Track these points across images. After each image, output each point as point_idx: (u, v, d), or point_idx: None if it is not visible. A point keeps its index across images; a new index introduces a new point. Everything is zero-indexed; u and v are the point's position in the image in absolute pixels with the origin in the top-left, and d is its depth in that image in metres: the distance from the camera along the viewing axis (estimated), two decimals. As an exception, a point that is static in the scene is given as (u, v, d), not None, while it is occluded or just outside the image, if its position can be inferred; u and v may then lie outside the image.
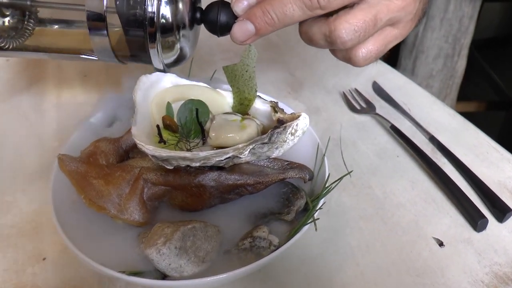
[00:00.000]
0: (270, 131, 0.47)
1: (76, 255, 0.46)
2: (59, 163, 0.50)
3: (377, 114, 0.76)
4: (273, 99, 0.54)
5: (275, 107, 0.52)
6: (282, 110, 0.52)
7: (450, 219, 0.60)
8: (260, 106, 0.53)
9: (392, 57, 1.48)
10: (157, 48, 0.50)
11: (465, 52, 1.37)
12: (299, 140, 0.49)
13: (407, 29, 0.51)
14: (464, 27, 1.31)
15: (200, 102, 0.51)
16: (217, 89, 0.55)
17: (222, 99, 0.54)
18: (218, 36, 0.52)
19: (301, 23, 0.49)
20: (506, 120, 1.90)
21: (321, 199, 0.50)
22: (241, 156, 0.47)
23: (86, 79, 0.87)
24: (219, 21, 0.50)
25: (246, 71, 0.52)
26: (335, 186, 0.52)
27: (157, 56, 0.50)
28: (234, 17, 0.49)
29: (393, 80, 0.86)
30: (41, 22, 0.59)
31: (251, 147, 0.47)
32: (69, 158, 0.51)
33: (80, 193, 0.48)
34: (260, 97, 0.54)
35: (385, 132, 0.74)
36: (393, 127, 0.72)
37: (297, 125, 0.48)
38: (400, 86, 0.84)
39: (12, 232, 0.57)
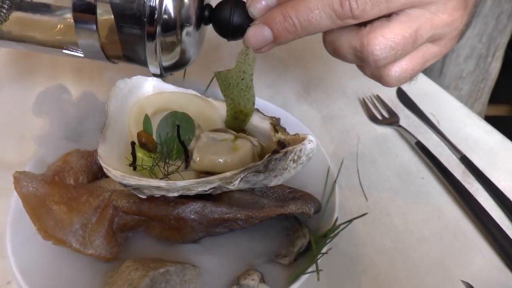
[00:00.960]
0: (266, 157, 0.38)
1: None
2: (15, 183, 0.42)
3: (401, 126, 0.66)
4: (274, 116, 0.45)
5: (275, 125, 0.43)
6: (284, 129, 0.43)
7: (483, 259, 0.51)
8: (258, 122, 0.44)
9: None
10: (156, 49, 0.40)
11: (500, 53, 1.25)
12: (303, 167, 0.40)
13: (449, 46, 0.44)
14: (501, 25, 1.19)
15: (184, 116, 0.42)
16: (210, 98, 0.46)
17: (213, 111, 0.45)
18: (229, 40, 0.42)
19: (326, 31, 0.41)
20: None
21: (328, 242, 0.41)
22: (229, 186, 0.38)
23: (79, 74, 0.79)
24: (232, 22, 0.41)
25: (242, 79, 0.42)
26: (346, 227, 0.43)
27: (154, 59, 0.41)
28: (249, 19, 0.41)
29: (421, 86, 0.76)
30: (19, 5, 0.50)
31: (242, 175, 0.38)
32: (28, 177, 0.43)
33: (34, 223, 0.40)
34: (258, 111, 0.44)
35: (408, 148, 0.65)
36: (418, 144, 0.63)
37: (300, 150, 0.39)
38: (428, 94, 0.74)
39: None
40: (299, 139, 0.40)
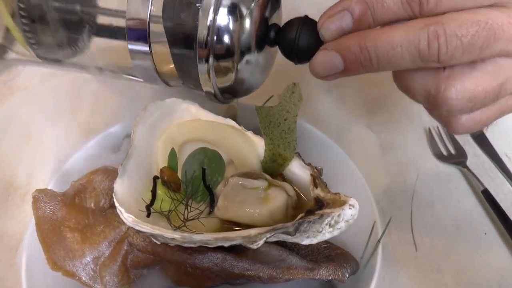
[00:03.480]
0: (299, 217, 0.34)
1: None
2: (33, 204, 0.40)
3: (467, 167, 0.59)
4: (316, 166, 0.40)
5: (316, 178, 0.38)
6: (325, 185, 0.38)
7: None
8: (298, 169, 0.40)
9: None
10: (210, 75, 0.36)
11: None
12: (338, 233, 0.35)
13: None
14: None
15: (214, 154, 0.38)
16: (248, 132, 0.41)
17: (250, 149, 0.41)
18: (295, 63, 0.38)
19: None
20: None
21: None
22: (252, 246, 0.34)
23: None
24: (297, 44, 0.36)
25: (285, 120, 0.38)
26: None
27: (210, 86, 0.37)
28: (318, 42, 0.36)
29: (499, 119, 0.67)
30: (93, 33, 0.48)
31: (268, 235, 0.34)
32: (48, 197, 0.41)
33: (44, 252, 0.38)
34: (299, 156, 0.40)
35: (473, 194, 0.58)
36: (485, 192, 0.56)
37: (339, 215, 0.34)
38: (506, 130, 0.66)
39: None
40: (339, 202, 0.35)
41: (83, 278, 0.38)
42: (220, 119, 0.42)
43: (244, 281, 0.39)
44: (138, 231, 0.34)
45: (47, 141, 0.60)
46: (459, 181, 0.59)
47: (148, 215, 0.36)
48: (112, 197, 0.43)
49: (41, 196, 0.41)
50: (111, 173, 0.45)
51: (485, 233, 0.54)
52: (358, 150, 0.59)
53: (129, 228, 0.39)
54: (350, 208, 0.34)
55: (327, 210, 0.34)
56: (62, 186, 0.46)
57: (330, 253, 0.40)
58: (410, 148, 0.63)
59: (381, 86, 0.72)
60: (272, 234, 0.34)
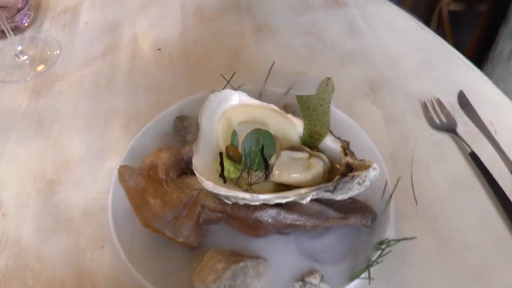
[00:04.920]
0: (336, 179, 0.46)
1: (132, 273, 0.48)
2: (119, 177, 0.52)
3: (457, 134, 0.72)
4: (345, 140, 0.52)
5: (345, 149, 0.50)
6: (353, 154, 0.50)
7: None
8: (330, 143, 0.52)
9: (489, 38, 1.37)
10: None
11: None
12: (364, 189, 0.48)
13: None
14: None
15: (267, 134, 0.50)
16: (289, 115, 0.53)
17: (291, 127, 0.53)
18: None
19: None
20: None
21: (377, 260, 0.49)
22: (302, 201, 0.46)
23: (160, 53, 0.87)
24: None
25: (321, 105, 0.50)
26: (396, 243, 0.51)
27: None
28: None
29: (484, 91, 0.80)
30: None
31: (314, 193, 0.46)
32: (129, 171, 0.52)
33: (136, 214, 0.50)
34: (331, 132, 0.52)
35: (463, 157, 0.70)
36: (472, 155, 0.68)
37: (366, 176, 0.47)
38: (490, 101, 0.78)
39: (76, 214, 0.61)
40: (365, 165, 0.47)
41: (168, 233, 0.50)
42: (265, 105, 0.54)
43: (291, 231, 0.51)
44: (217, 194, 0.46)
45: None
46: (451, 146, 0.71)
47: (225, 182, 0.48)
48: (177, 171, 0.55)
49: (124, 171, 0.52)
50: (174, 151, 0.56)
51: (472, 188, 0.66)
52: (366, 124, 0.70)
53: (199, 192, 0.51)
54: (373, 170, 0.47)
55: (357, 173, 0.47)
56: (131, 161, 0.58)
57: (355, 206, 0.52)
58: (409, 120, 0.75)
59: (384, 68, 0.84)
60: (317, 192, 0.46)
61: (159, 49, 0.88)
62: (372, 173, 0.47)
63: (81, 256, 0.56)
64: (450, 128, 0.73)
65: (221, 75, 0.66)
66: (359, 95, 0.79)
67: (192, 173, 0.55)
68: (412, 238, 0.56)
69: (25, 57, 0.86)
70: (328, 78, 0.48)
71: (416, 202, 0.64)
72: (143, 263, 0.50)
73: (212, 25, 0.94)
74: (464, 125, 0.74)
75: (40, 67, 0.84)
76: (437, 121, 0.74)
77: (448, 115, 0.75)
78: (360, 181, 0.47)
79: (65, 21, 0.96)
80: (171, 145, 0.57)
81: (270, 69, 0.67)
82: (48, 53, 0.87)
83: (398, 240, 0.52)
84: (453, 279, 0.56)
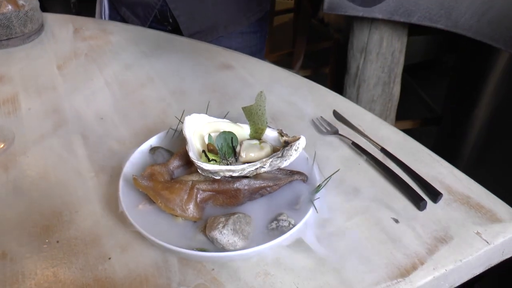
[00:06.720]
0: (281, 148, 0.76)
1: (152, 240, 0.71)
2: (135, 181, 0.75)
3: (340, 134, 1.06)
4: (279, 128, 0.82)
5: (281, 133, 0.80)
6: (287, 134, 0.80)
7: (401, 204, 0.89)
8: (270, 133, 0.82)
9: (338, 86, 1.82)
10: None
11: (399, 79, 1.72)
12: (298, 154, 0.78)
13: None
14: (396, 59, 1.67)
15: (231, 133, 0.79)
16: (238, 123, 0.83)
17: (242, 130, 0.82)
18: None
19: None
20: (438, 134, 2.30)
21: (320, 190, 0.78)
22: (264, 166, 0.74)
23: (102, 122, 1.11)
24: None
25: (259, 110, 0.80)
26: (327, 182, 0.81)
27: None
28: None
29: (348, 108, 1.17)
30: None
31: (270, 160, 0.75)
32: (140, 177, 0.76)
33: (156, 201, 0.74)
34: (269, 127, 0.82)
35: (348, 147, 1.03)
36: (354, 143, 1.02)
37: (298, 143, 0.77)
38: (354, 112, 1.15)
39: (77, 242, 0.80)
40: (296, 138, 0.78)
41: (178, 211, 0.74)
42: (220, 120, 0.82)
43: (258, 196, 0.78)
44: (210, 170, 0.72)
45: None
46: (338, 143, 1.05)
47: (215, 161, 0.75)
48: (168, 176, 0.80)
49: (137, 177, 0.76)
50: (162, 165, 0.82)
51: (359, 164, 0.99)
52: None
53: (193, 181, 0.76)
54: (302, 139, 0.77)
55: (293, 142, 0.76)
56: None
57: (293, 172, 0.81)
58: (307, 133, 1.07)
59: (278, 103, 1.18)
60: (272, 158, 0.75)
61: (102, 118, 1.11)
62: (302, 141, 0.77)
63: (94, 269, 0.77)
64: (334, 132, 1.07)
65: (176, 116, 0.94)
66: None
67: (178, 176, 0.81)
68: (335, 172, 0.86)
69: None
70: (261, 91, 0.79)
71: (324, 176, 0.94)
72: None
73: (136, 95, 1.21)
74: (343, 129, 1.09)
75: (1, 146, 0.97)
76: (325, 130, 1.08)
77: (330, 125, 1.10)
78: (296, 148, 0.77)
79: (8, 110, 1.14)
80: (160, 163, 0.83)
81: (208, 105, 0.97)
82: (5, 132, 1.01)
83: (328, 178, 0.82)
84: (361, 211, 0.87)
